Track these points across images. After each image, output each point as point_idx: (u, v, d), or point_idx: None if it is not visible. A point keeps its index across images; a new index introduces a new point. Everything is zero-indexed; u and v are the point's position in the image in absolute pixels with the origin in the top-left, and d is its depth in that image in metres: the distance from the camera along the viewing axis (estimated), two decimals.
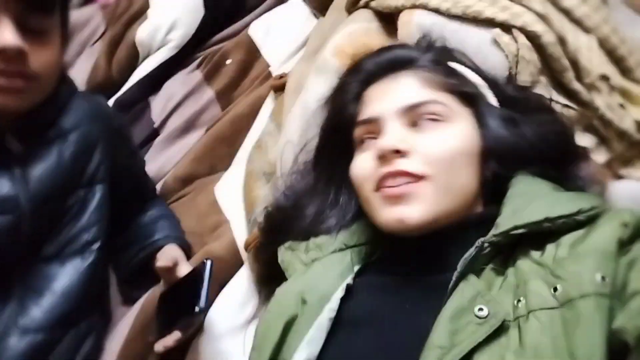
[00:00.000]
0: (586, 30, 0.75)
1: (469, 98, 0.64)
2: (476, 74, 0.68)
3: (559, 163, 0.64)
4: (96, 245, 0.82)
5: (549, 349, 0.45)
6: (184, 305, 0.75)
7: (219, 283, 0.84)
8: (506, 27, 0.72)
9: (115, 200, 0.88)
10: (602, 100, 0.72)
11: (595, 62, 0.73)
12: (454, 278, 0.52)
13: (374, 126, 0.62)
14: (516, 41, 0.72)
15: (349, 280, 0.62)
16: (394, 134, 0.59)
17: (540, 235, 0.54)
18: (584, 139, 0.74)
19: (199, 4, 1.25)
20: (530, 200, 0.57)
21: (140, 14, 1.29)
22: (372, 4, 0.90)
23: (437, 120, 0.60)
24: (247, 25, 1.27)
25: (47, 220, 0.78)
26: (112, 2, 1.41)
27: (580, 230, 0.53)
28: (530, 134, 0.63)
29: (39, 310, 0.75)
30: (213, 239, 0.93)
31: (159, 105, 1.17)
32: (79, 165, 0.81)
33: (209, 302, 0.71)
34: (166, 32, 1.23)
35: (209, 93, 1.15)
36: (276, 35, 1.23)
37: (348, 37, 0.85)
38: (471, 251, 0.53)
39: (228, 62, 1.20)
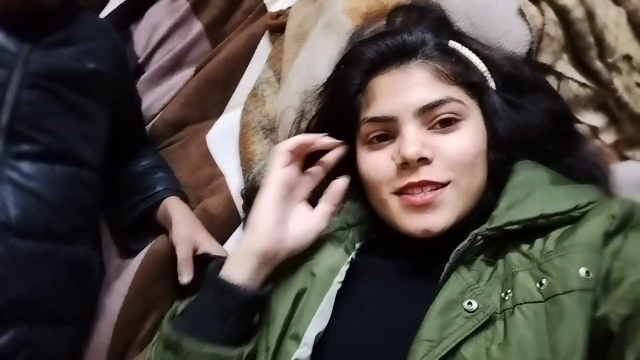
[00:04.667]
0: (617, 2, 0.71)
1: (476, 88, 0.60)
2: (474, 53, 0.62)
3: (561, 142, 0.62)
4: (92, 164, 0.80)
5: (532, 343, 0.46)
6: None
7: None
8: None
9: (113, 134, 0.85)
10: (621, 82, 0.70)
11: (621, 40, 0.69)
12: (445, 269, 0.53)
13: (389, 125, 0.58)
14: (543, 14, 0.67)
15: (352, 255, 0.63)
16: (416, 140, 0.56)
17: (532, 228, 0.54)
18: (594, 119, 0.73)
19: None
20: (527, 194, 0.56)
21: None
22: None
23: (454, 119, 0.57)
24: None
25: (38, 105, 0.74)
26: None
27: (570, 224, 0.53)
28: (535, 118, 0.60)
29: (17, 208, 0.70)
30: (208, 192, 0.90)
31: (142, 37, 1.07)
32: (88, 71, 0.79)
33: None
34: None
35: (197, 26, 1.06)
36: None
37: None
38: (464, 243, 0.53)
39: None
